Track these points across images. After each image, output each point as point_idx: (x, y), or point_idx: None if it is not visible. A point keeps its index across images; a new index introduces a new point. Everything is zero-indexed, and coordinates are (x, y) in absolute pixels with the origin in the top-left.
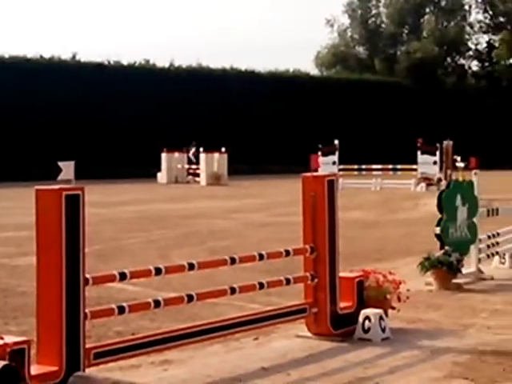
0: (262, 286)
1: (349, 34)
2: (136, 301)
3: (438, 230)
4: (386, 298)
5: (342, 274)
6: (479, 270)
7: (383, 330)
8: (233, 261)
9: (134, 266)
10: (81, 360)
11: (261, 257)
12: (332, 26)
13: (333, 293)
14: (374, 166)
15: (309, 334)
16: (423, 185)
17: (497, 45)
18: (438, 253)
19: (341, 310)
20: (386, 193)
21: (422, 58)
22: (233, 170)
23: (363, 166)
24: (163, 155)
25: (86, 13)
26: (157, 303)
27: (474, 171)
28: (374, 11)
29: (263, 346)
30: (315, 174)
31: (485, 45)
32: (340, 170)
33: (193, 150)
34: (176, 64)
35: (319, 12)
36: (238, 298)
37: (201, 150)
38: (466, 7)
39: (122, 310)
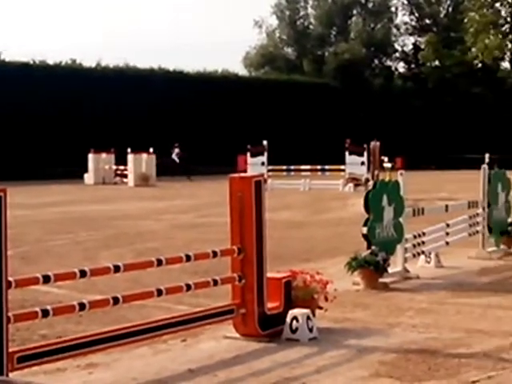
0: (189, 287)
1: (277, 34)
2: (61, 304)
3: (364, 229)
4: (314, 297)
5: (269, 275)
6: (405, 269)
7: (310, 330)
8: (159, 262)
9: (60, 268)
10: (4, 364)
11: (188, 258)
12: (260, 26)
13: (260, 293)
14: (303, 167)
15: (237, 335)
16: (351, 185)
17: (423, 47)
18: (365, 253)
19: (268, 311)
20: (314, 193)
21: (350, 60)
22: (161, 171)
23: (292, 167)
24: (90, 156)
25: (10, 12)
26: (82, 306)
27: (399, 171)
28: (302, 12)
29: (191, 348)
30: (242, 174)
31: (411, 47)
32: (269, 170)
33: (176, 150)
34: (103, 64)
35: (248, 13)
36: (165, 299)
37: (128, 150)
38: (393, 9)
39: (46, 313)
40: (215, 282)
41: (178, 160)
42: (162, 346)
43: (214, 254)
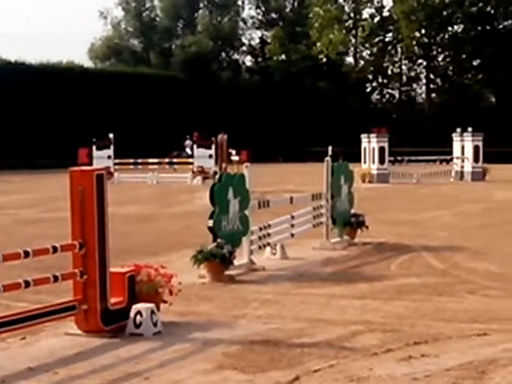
0: (27, 284)
1: (123, 26)
2: None
3: (210, 222)
4: (158, 291)
5: (112, 270)
6: (251, 261)
7: (155, 325)
8: None
9: None
10: None
11: (26, 254)
12: (106, 18)
13: (103, 289)
14: (151, 160)
15: (79, 332)
16: (199, 178)
17: (269, 41)
18: (211, 245)
19: (112, 306)
20: (162, 187)
21: (197, 53)
22: (1, 165)
23: (139, 160)
24: None
25: None
26: None
27: (245, 164)
28: (148, 4)
29: (31, 346)
30: (83, 168)
31: (258, 40)
32: (115, 164)
33: (187, 142)
34: None
35: (92, 3)
36: (4, 296)
37: None
38: (239, 3)
39: None
40: (56, 278)
41: (190, 152)
42: (0, 344)
43: (54, 249)
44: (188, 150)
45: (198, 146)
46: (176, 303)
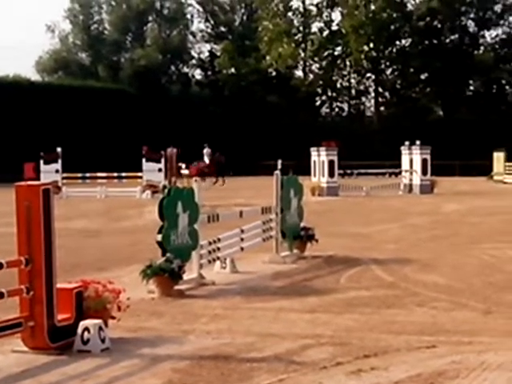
0: None
1: (71, 39)
2: None
3: (159, 237)
4: (106, 307)
5: (59, 286)
6: (201, 276)
7: (103, 341)
8: None
9: None
10: None
11: None
12: (53, 31)
13: (50, 305)
14: (99, 174)
15: (25, 349)
16: (149, 192)
17: (219, 54)
18: (160, 260)
19: (59, 323)
20: (111, 201)
21: (146, 66)
22: None
23: (87, 174)
24: None
25: None
26: None
27: (194, 178)
28: (96, 17)
29: None
30: (30, 182)
31: (207, 54)
32: (64, 178)
33: (205, 150)
34: None
35: (39, 17)
36: None
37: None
38: (188, 16)
39: None
40: (1, 295)
41: (207, 161)
42: None
43: (0, 265)
44: (206, 159)
45: (147, 160)
46: (125, 319)
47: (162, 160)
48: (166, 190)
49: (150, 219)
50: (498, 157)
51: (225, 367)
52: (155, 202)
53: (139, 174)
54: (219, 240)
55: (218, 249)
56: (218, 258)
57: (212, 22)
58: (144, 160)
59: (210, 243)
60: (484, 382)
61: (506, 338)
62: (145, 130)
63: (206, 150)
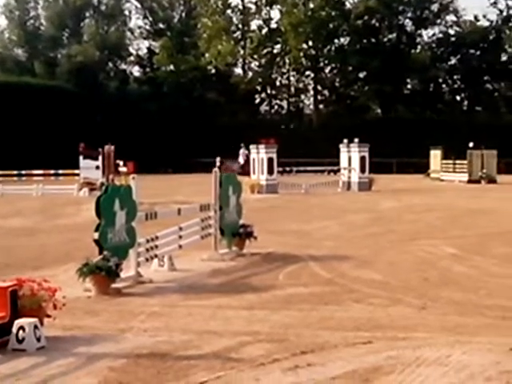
0: None
1: (6, 35)
2: None
3: (96, 235)
4: (41, 306)
5: None
6: (138, 274)
7: (38, 340)
8: None
9: None
10: None
11: None
12: None
13: None
14: (35, 172)
15: None
16: (86, 189)
17: (157, 51)
18: (97, 258)
19: None
20: (47, 198)
21: (84, 62)
22: None
23: (23, 172)
24: None
25: None
26: None
27: (131, 175)
28: (32, 13)
29: None
30: None
31: (146, 51)
32: None
33: (241, 150)
34: None
35: None
36: None
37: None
38: (126, 12)
39: None
40: None
41: (242, 161)
42: None
43: None
44: (241, 159)
45: (84, 157)
46: (60, 317)
47: (100, 157)
48: (104, 188)
49: (88, 217)
50: (435, 154)
51: (162, 365)
52: (93, 200)
53: (76, 172)
54: (157, 238)
55: (156, 246)
56: (156, 256)
57: (150, 18)
58: (81, 157)
59: (147, 241)
60: (419, 378)
61: (440, 334)
62: (82, 127)
63: (242, 151)
